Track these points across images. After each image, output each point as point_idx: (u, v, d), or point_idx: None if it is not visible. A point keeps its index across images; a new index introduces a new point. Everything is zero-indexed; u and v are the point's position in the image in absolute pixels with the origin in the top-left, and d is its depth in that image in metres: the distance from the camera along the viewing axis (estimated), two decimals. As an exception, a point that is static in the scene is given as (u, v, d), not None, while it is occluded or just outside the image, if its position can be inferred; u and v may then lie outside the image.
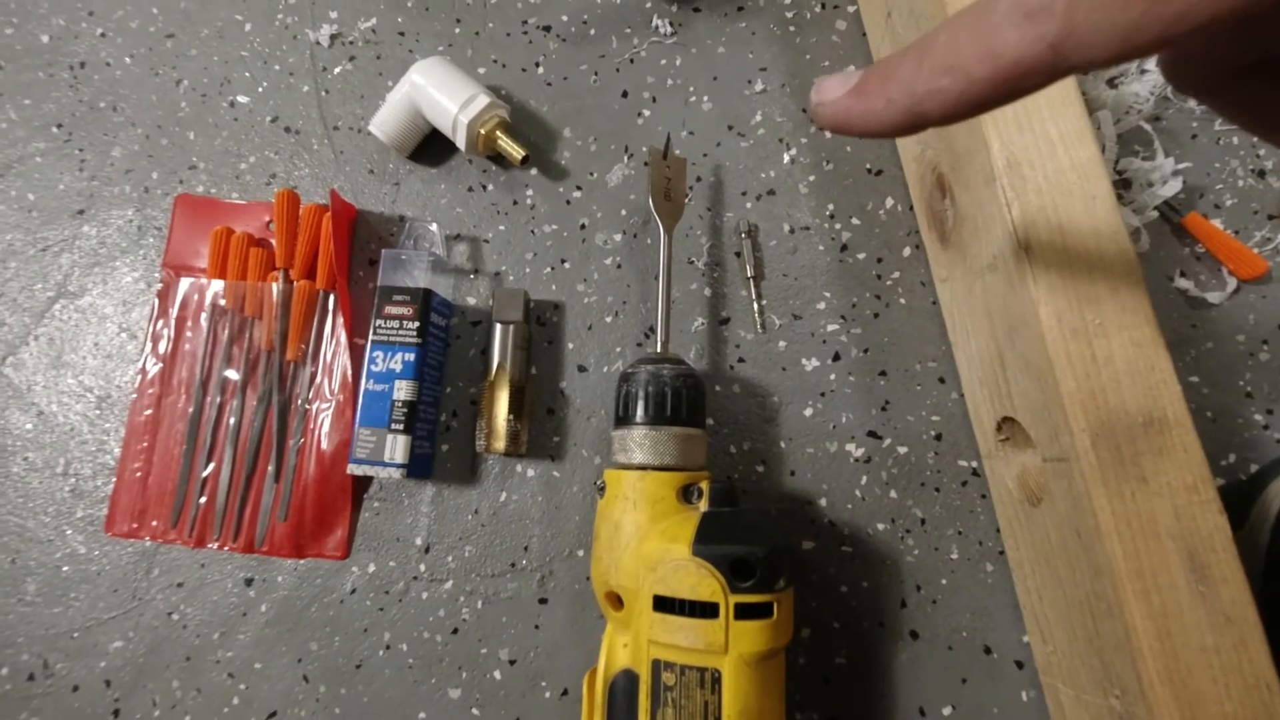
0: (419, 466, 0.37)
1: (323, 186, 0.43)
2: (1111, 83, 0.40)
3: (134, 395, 0.41)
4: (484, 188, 0.43)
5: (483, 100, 0.39)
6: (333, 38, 0.46)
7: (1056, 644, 0.31)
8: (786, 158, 0.42)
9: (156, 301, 0.42)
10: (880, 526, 0.37)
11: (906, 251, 0.40)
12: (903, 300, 0.39)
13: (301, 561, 0.38)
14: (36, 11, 0.48)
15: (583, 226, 0.42)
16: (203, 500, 0.39)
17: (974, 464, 0.37)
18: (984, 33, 0.15)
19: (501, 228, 0.42)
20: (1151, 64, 0.40)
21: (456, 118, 0.39)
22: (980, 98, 0.16)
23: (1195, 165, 0.40)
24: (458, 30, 0.45)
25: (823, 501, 0.37)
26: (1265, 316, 0.38)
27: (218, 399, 0.40)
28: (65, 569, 0.39)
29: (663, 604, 0.28)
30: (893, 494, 0.37)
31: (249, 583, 0.38)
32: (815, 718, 0.35)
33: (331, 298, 0.41)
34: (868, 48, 0.43)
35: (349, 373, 0.40)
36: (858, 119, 0.18)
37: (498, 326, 0.38)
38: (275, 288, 0.41)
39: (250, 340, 0.41)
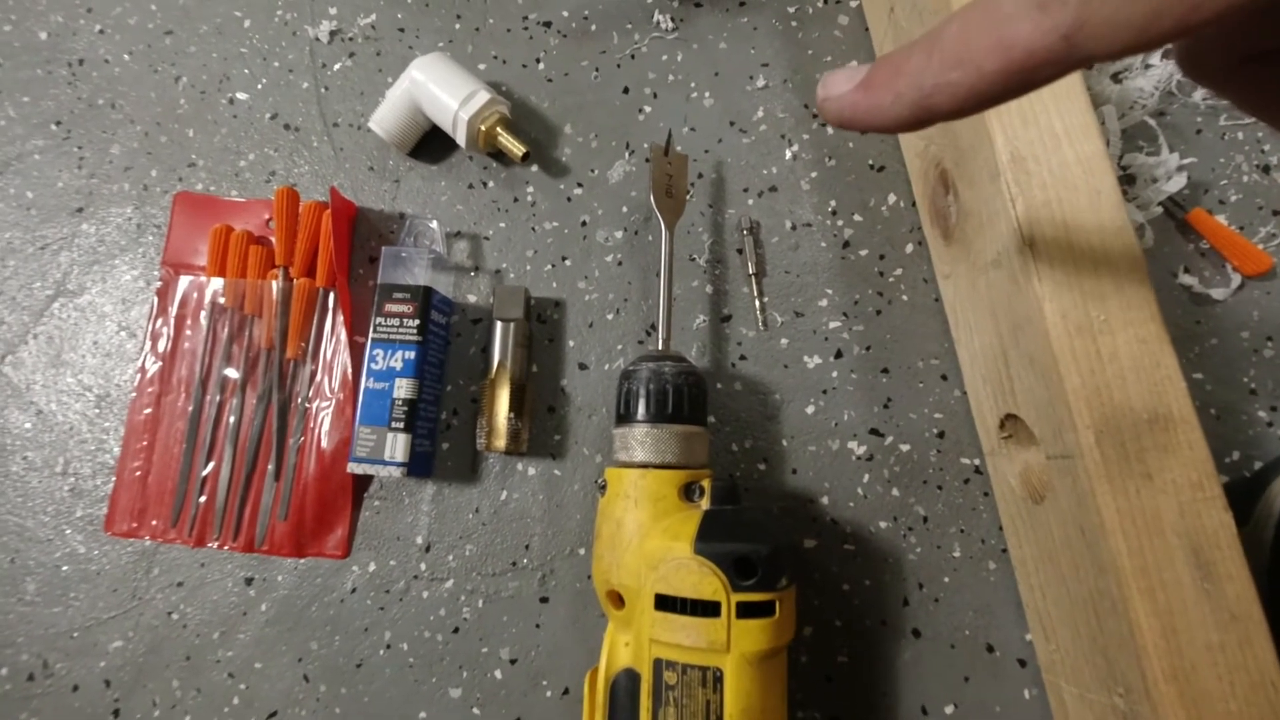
0: (419, 465, 0.37)
1: (322, 184, 0.43)
2: (1116, 77, 0.40)
3: (133, 394, 0.40)
4: (484, 185, 0.43)
5: (483, 97, 0.39)
6: (332, 34, 0.45)
7: (1059, 642, 0.31)
8: (788, 154, 0.41)
9: (156, 300, 0.42)
10: (882, 524, 0.36)
11: (909, 248, 0.40)
12: (905, 297, 0.39)
13: (302, 561, 0.38)
14: (35, 8, 0.47)
15: (584, 223, 0.41)
16: (202, 499, 0.39)
17: (976, 461, 0.37)
18: (995, 24, 0.15)
19: (502, 225, 0.42)
20: (1156, 59, 0.40)
21: (457, 114, 0.39)
22: (991, 91, 0.16)
23: (1200, 161, 0.39)
24: (458, 26, 0.45)
25: (825, 499, 0.37)
26: (1270, 313, 0.38)
27: (217, 397, 0.40)
28: (65, 568, 0.39)
29: (664, 603, 0.28)
30: (895, 492, 0.37)
31: (249, 582, 0.38)
32: (818, 716, 0.34)
33: (331, 295, 0.41)
34: (870, 43, 0.43)
35: (349, 371, 0.40)
36: (864, 114, 0.18)
37: (498, 324, 0.38)
38: (275, 285, 0.40)
39: (250, 338, 0.41)
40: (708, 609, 0.27)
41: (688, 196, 0.40)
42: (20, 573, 0.39)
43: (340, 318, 0.40)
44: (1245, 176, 0.39)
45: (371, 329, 0.38)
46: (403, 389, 0.37)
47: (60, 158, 0.45)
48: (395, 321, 0.37)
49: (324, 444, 0.39)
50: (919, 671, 0.35)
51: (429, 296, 0.38)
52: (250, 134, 0.44)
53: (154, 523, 0.39)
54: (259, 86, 0.45)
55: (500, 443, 0.37)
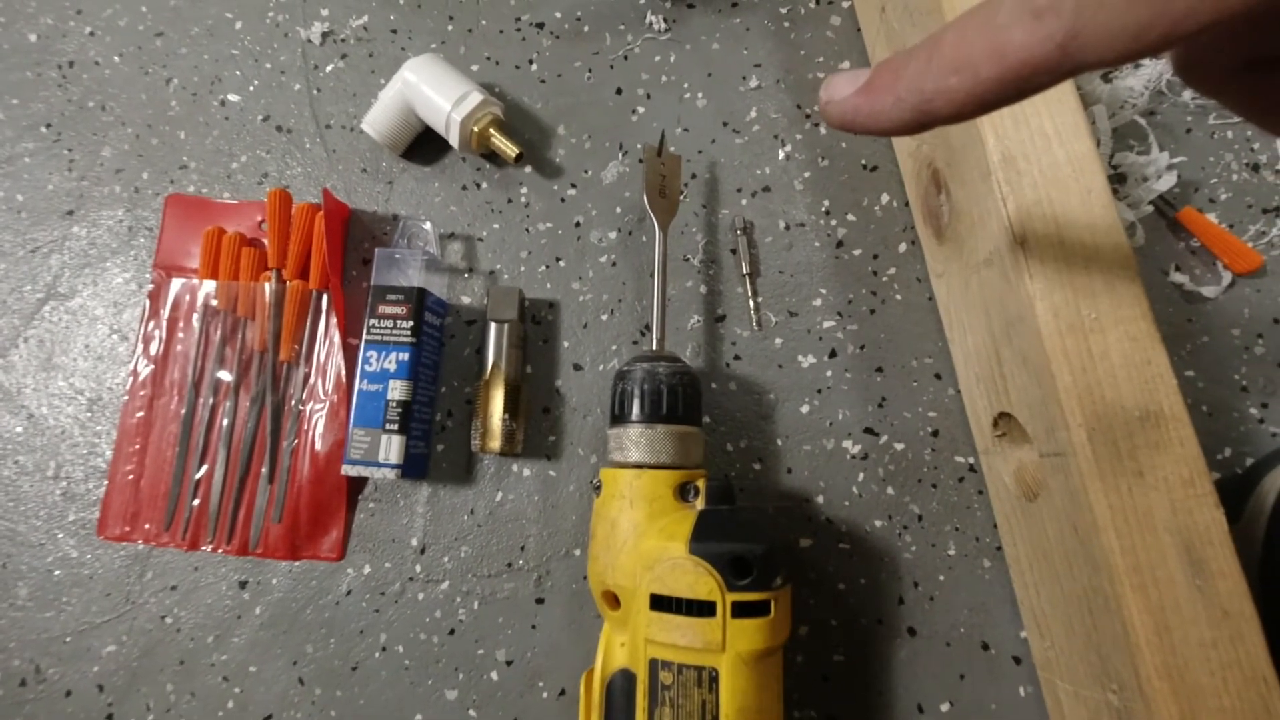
0: (414, 467, 0.37)
1: (315, 186, 0.43)
2: (1106, 77, 0.40)
3: (125, 397, 0.40)
4: (478, 186, 0.42)
5: (476, 98, 0.39)
6: (324, 35, 0.45)
7: (1054, 639, 0.31)
8: (782, 154, 0.41)
9: (148, 302, 0.41)
10: (877, 523, 0.36)
11: (902, 247, 0.40)
12: (899, 296, 0.39)
13: (296, 563, 0.38)
14: (24, 10, 0.47)
15: (577, 224, 0.41)
16: (196, 502, 0.39)
17: (971, 460, 0.37)
18: (992, 32, 0.15)
19: (496, 226, 0.42)
20: (1146, 59, 0.40)
21: (449, 115, 0.39)
22: (988, 96, 0.16)
23: (1190, 159, 0.40)
24: (450, 27, 0.45)
25: (820, 499, 0.37)
26: (1260, 310, 0.38)
27: (210, 400, 0.40)
28: (57, 573, 0.39)
29: (660, 603, 0.28)
30: (890, 490, 0.37)
31: (243, 585, 0.38)
32: (814, 715, 0.34)
33: (325, 297, 0.41)
34: (862, 43, 0.43)
35: (343, 373, 0.39)
36: (866, 117, 0.19)
37: (492, 325, 0.38)
38: (268, 288, 0.40)
39: (243, 341, 0.40)
40: (703, 609, 0.27)
41: (681, 197, 0.40)
42: (12, 577, 0.39)
43: (334, 320, 0.40)
44: (1235, 175, 0.40)
45: (365, 331, 0.37)
46: (397, 391, 0.37)
47: (51, 160, 0.44)
48: (389, 323, 0.37)
49: (318, 446, 0.39)
50: (915, 670, 0.35)
51: (423, 298, 0.38)
52: (242, 136, 0.44)
53: (147, 526, 0.39)
54: (251, 88, 0.45)
55: (495, 444, 0.37)
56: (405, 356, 0.37)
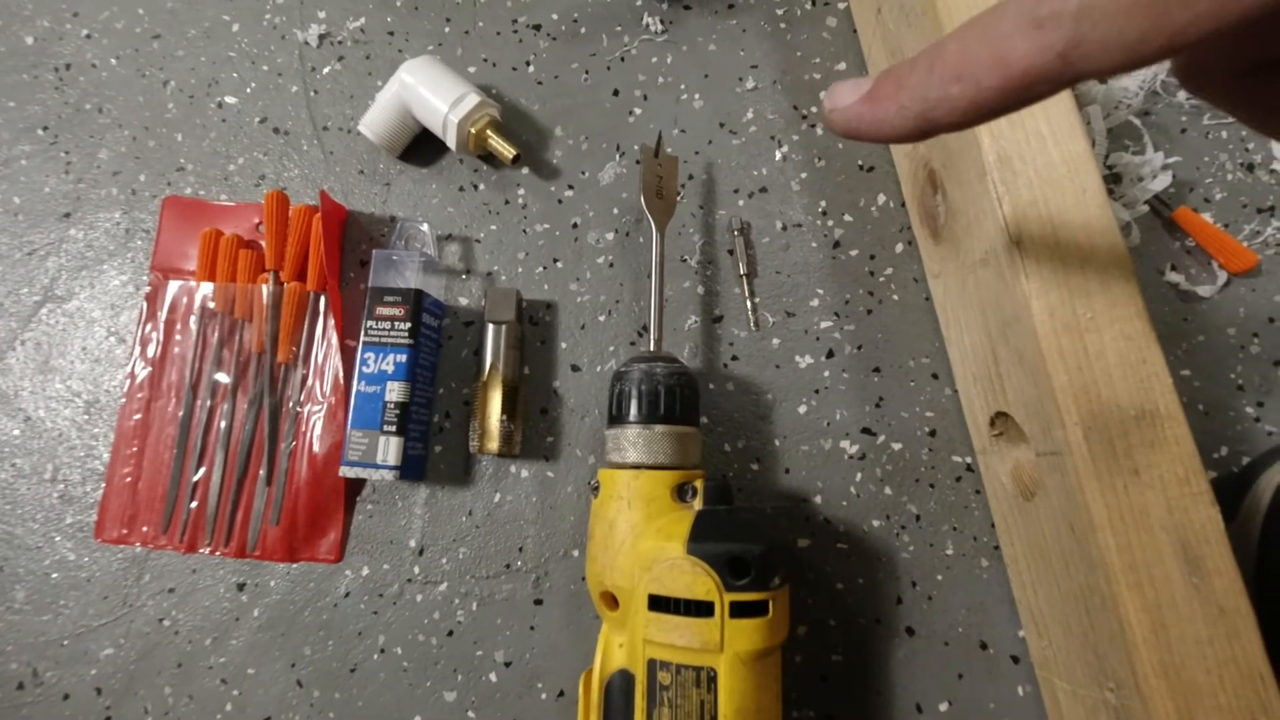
0: (412, 468, 0.37)
1: (312, 187, 0.43)
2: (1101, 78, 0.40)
3: (123, 399, 0.40)
4: (475, 187, 0.42)
5: (473, 99, 0.39)
6: (321, 37, 0.45)
7: (1052, 638, 0.31)
8: (778, 155, 0.42)
9: (145, 305, 0.41)
10: (875, 523, 0.37)
11: (899, 248, 0.40)
12: (896, 296, 0.39)
13: (294, 565, 0.38)
14: (21, 13, 0.47)
15: (575, 225, 0.41)
16: (194, 505, 0.39)
17: (968, 459, 0.37)
18: (994, 41, 0.15)
19: (493, 227, 0.42)
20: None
21: (447, 117, 0.39)
22: (990, 105, 0.16)
23: (1185, 159, 0.40)
24: (447, 29, 0.45)
25: (818, 499, 0.37)
26: (1255, 309, 0.38)
27: (208, 402, 0.40)
28: (54, 576, 0.39)
29: (658, 603, 0.28)
30: (887, 490, 0.37)
31: (241, 587, 0.38)
32: (813, 715, 0.34)
33: (322, 299, 0.41)
34: (858, 44, 0.43)
35: (340, 375, 0.39)
36: (869, 125, 0.19)
37: (490, 326, 0.38)
38: (265, 290, 0.40)
39: (240, 343, 0.40)
40: (701, 609, 0.27)
41: (678, 198, 0.40)
42: (9, 581, 0.39)
43: (331, 321, 0.40)
44: (1230, 174, 0.40)
45: (363, 332, 0.37)
46: (394, 392, 0.37)
47: (47, 163, 0.44)
48: (386, 325, 0.37)
49: (316, 448, 0.39)
50: (913, 669, 0.35)
51: (420, 299, 0.38)
52: (239, 138, 0.44)
53: (144, 529, 0.39)
54: (248, 90, 0.45)
55: (493, 445, 0.37)
56: (403, 358, 0.37)
